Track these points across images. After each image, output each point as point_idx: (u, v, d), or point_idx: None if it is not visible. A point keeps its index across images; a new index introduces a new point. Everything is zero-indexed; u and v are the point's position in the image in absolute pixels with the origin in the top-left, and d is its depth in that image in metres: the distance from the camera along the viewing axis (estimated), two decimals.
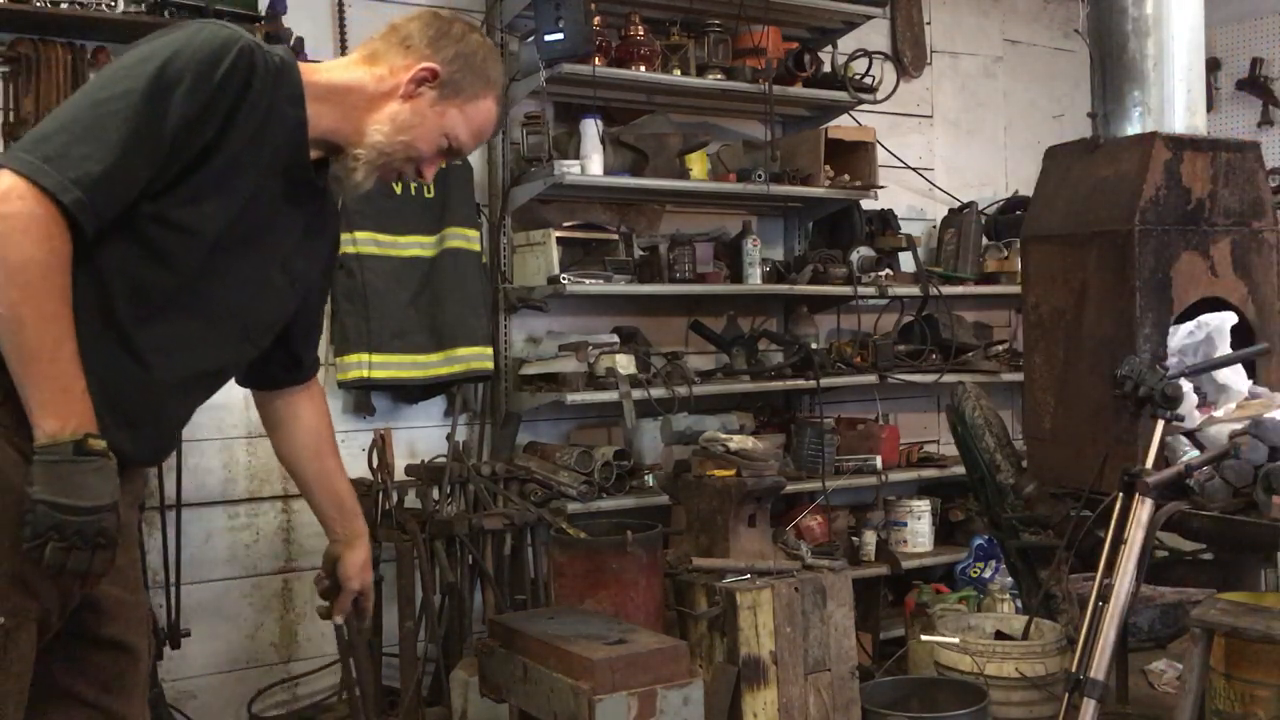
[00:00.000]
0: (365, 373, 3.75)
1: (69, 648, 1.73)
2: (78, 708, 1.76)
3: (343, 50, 3.92)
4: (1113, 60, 3.46)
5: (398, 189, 3.84)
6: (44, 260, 1.55)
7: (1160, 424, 2.92)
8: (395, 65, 1.87)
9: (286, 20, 3.65)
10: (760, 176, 4.22)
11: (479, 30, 2.01)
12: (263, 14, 3.60)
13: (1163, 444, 2.92)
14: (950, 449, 4.29)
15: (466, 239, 3.91)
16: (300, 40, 3.70)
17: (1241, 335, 3.25)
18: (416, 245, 3.87)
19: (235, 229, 1.74)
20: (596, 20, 3.96)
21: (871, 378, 4.46)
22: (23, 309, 1.54)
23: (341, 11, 3.92)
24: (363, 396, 3.92)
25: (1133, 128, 3.42)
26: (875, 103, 4.51)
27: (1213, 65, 5.36)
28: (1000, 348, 4.91)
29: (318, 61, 1.94)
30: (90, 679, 1.76)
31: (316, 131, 1.82)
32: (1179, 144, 3.30)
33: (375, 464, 3.53)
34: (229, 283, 1.78)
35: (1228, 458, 2.82)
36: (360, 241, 3.77)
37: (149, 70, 1.67)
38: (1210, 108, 4.84)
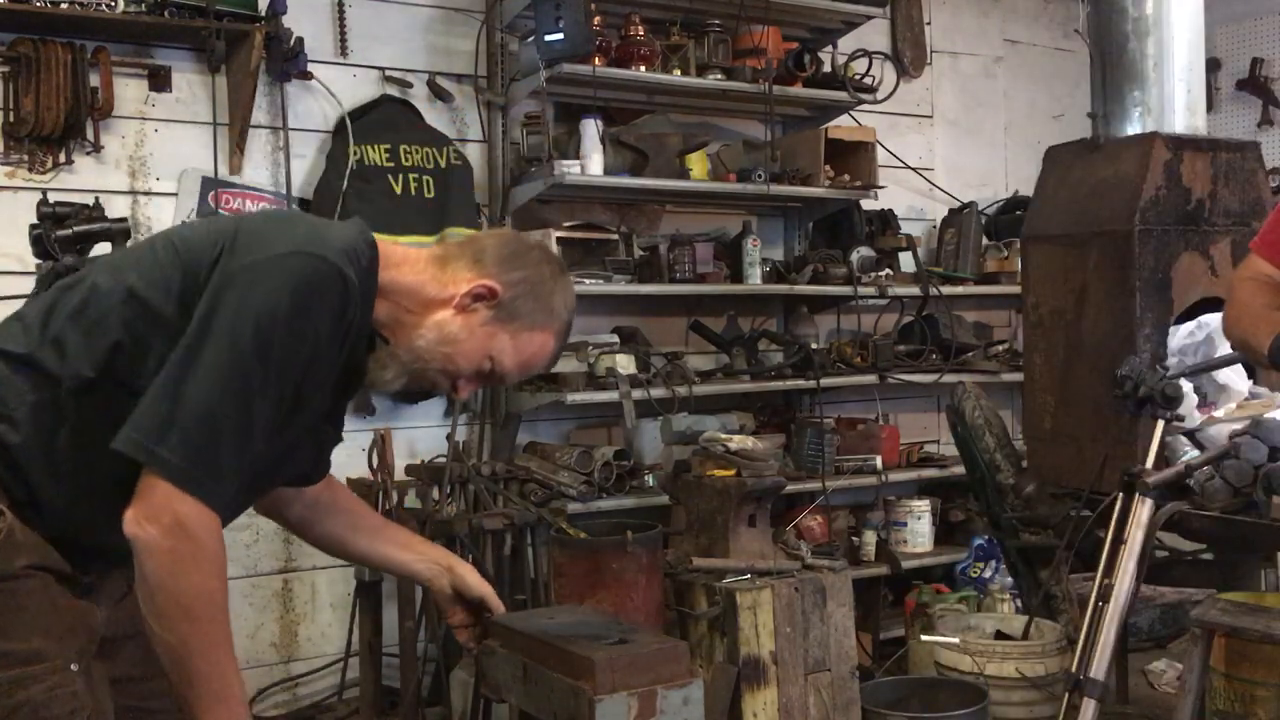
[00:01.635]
0: None
1: None
2: None
3: (343, 50, 3.93)
4: (1113, 60, 3.46)
5: (397, 189, 3.84)
6: (217, 588, 1.56)
7: (1160, 424, 2.92)
8: (459, 276, 1.80)
9: (286, 20, 3.65)
10: (760, 176, 4.23)
11: (558, 261, 1.93)
12: (263, 14, 3.61)
13: (1163, 444, 2.92)
14: (950, 449, 4.29)
15: None
16: (300, 40, 3.71)
17: None
18: (417, 246, 3.86)
19: (287, 425, 1.70)
20: (596, 20, 3.96)
21: (871, 378, 4.46)
22: (193, 640, 1.55)
23: (341, 11, 3.93)
24: (362, 396, 3.92)
25: (1133, 128, 3.42)
26: (875, 103, 4.51)
27: (1213, 65, 5.36)
28: (1000, 348, 4.91)
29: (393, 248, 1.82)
30: None
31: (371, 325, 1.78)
32: (1179, 144, 3.31)
33: (375, 464, 3.53)
34: (260, 462, 1.70)
35: (1228, 458, 2.81)
36: None
37: (272, 350, 1.59)
38: (1210, 108, 4.82)
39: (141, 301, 1.61)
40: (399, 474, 3.62)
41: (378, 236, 1.80)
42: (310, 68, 3.81)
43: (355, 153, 3.80)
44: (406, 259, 1.83)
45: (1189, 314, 3.26)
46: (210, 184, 3.74)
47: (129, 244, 3.00)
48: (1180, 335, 3.21)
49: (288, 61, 3.73)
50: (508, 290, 1.80)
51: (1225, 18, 5.22)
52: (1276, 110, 5.36)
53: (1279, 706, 2.77)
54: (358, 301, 1.67)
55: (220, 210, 3.74)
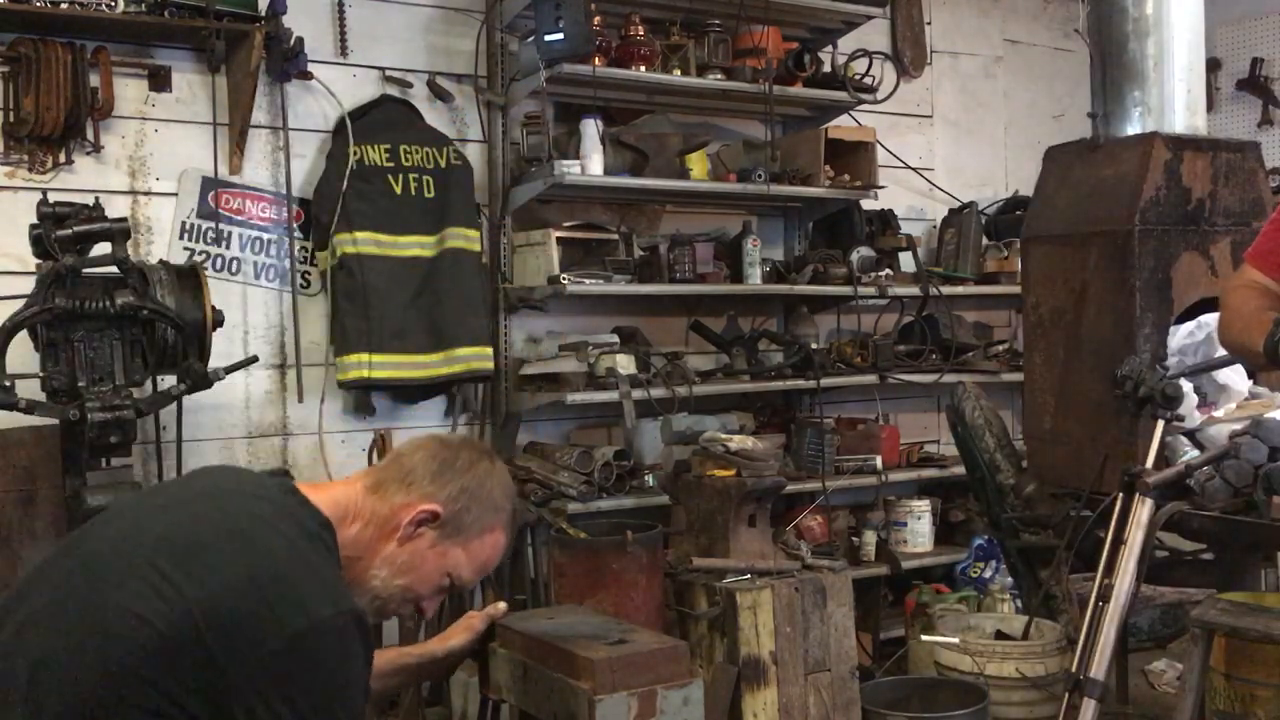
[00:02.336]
0: (365, 373, 3.75)
1: None
2: None
3: (343, 50, 3.92)
4: (1113, 60, 3.45)
5: (397, 189, 3.85)
6: None
7: (1160, 424, 2.92)
8: (395, 503, 1.80)
9: (286, 20, 3.65)
10: (760, 176, 4.22)
11: (488, 454, 1.94)
12: (263, 14, 3.61)
13: (1163, 444, 2.92)
14: (950, 449, 4.29)
15: (466, 239, 3.91)
16: (300, 40, 3.71)
17: None
18: (416, 245, 3.87)
19: None
20: (596, 20, 3.96)
21: (871, 378, 4.46)
22: None
23: (341, 11, 3.93)
24: (363, 397, 3.92)
25: (1133, 128, 3.42)
26: (875, 103, 4.51)
27: (1213, 65, 5.36)
28: (1000, 348, 4.91)
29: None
30: None
31: None
32: (1179, 144, 3.30)
33: (375, 464, 3.53)
34: None
35: (1228, 458, 2.81)
36: (360, 241, 3.77)
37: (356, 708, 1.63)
38: (1210, 108, 4.82)
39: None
40: None
41: (309, 489, 1.77)
42: (310, 68, 3.81)
43: (355, 152, 3.80)
44: (348, 509, 1.80)
45: (1189, 314, 3.25)
46: (210, 184, 3.74)
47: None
48: (1180, 335, 3.21)
49: (288, 61, 3.73)
50: (449, 507, 1.81)
51: (1225, 18, 5.22)
52: (1277, 110, 5.36)
53: (1279, 707, 2.77)
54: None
55: (220, 210, 3.74)
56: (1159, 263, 3.24)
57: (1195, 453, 2.99)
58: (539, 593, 3.51)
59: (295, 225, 3.87)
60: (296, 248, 3.87)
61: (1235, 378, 3.17)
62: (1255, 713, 2.84)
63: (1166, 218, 3.26)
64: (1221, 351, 3.13)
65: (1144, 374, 2.97)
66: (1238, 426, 2.91)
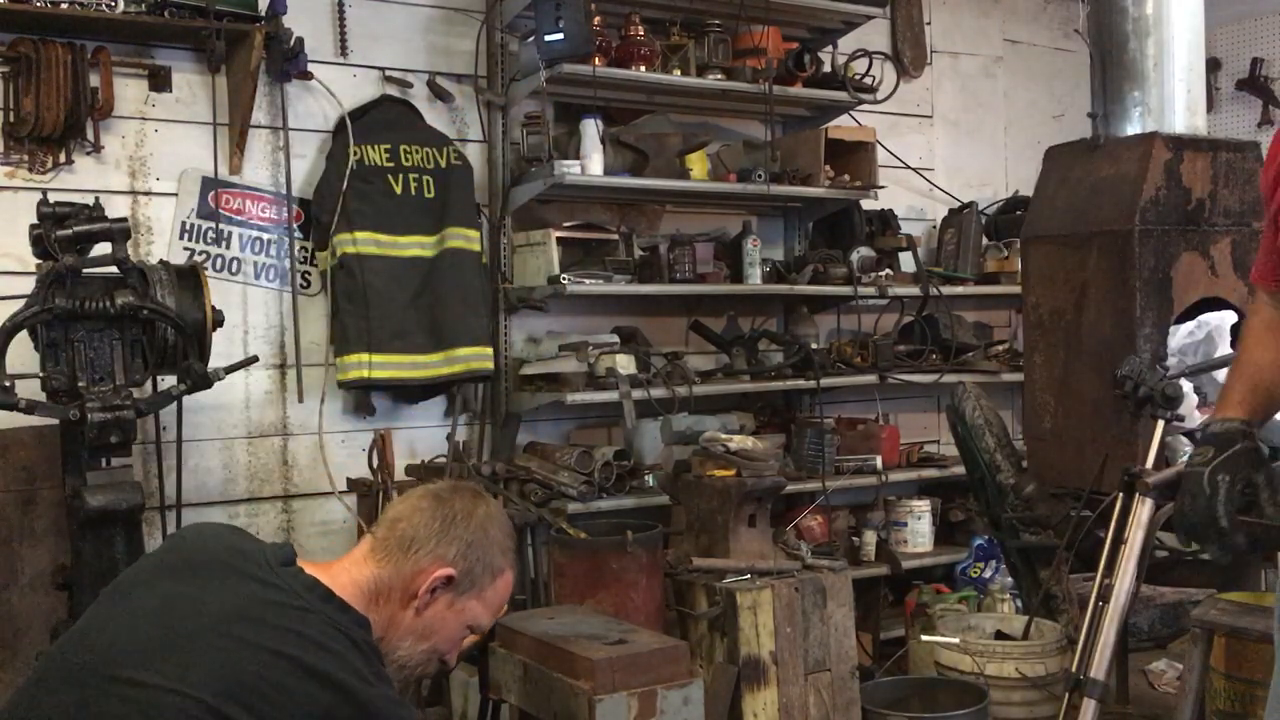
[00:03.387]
0: (365, 373, 3.75)
1: None
2: None
3: (343, 50, 3.92)
4: (1113, 60, 3.46)
5: (397, 189, 3.84)
6: None
7: (1160, 424, 2.92)
8: (406, 573, 1.81)
9: (286, 20, 3.65)
10: (760, 176, 4.22)
11: (480, 496, 1.94)
12: (263, 14, 3.61)
13: (1163, 444, 2.92)
14: (950, 449, 4.29)
15: (467, 239, 3.91)
16: (300, 40, 3.71)
17: None
18: (417, 245, 3.87)
19: None
20: (596, 20, 3.96)
21: (871, 378, 4.46)
22: None
23: (342, 11, 3.93)
24: (363, 396, 3.92)
25: (1133, 128, 3.42)
26: (875, 103, 4.51)
27: (1213, 65, 5.36)
28: (1000, 348, 4.91)
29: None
30: None
31: None
32: (1179, 144, 3.30)
33: (375, 464, 3.53)
34: None
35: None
36: (360, 241, 3.76)
37: None
38: (1210, 108, 4.82)
39: None
40: (399, 474, 3.62)
41: (326, 575, 1.77)
42: (310, 68, 3.81)
43: (355, 153, 3.80)
44: (372, 593, 1.80)
45: (1189, 314, 3.26)
46: (210, 184, 3.74)
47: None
48: (1180, 335, 3.21)
49: (288, 61, 3.73)
50: (460, 565, 1.82)
51: (1225, 18, 5.21)
52: (1277, 110, 5.35)
53: None
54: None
55: (220, 210, 3.74)
56: (1159, 262, 3.24)
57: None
58: (539, 593, 3.51)
59: (295, 225, 3.87)
60: (296, 248, 3.87)
61: None
62: (1255, 713, 2.84)
63: (1166, 218, 3.26)
64: (1221, 351, 3.13)
65: (1144, 374, 2.97)
66: None
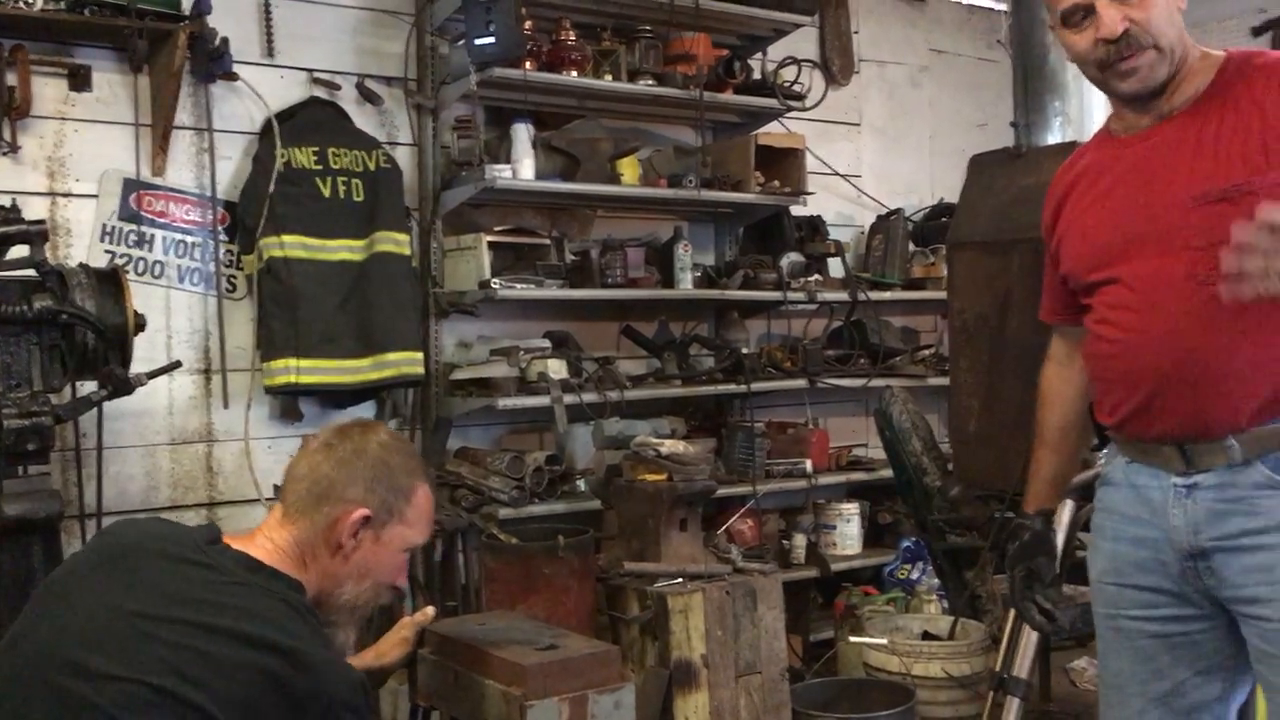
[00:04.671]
0: (293, 378, 3.70)
1: None
2: None
3: (270, 51, 3.87)
4: (1034, 71, 3.54)
5: (326, 192, 3.80)
6: None
7: None
8: (320, 525, 1.83)
9: (211, 20, 3.59)
10: (691, 182, 4.25)
11: (370, 426, 1.97)
12: (186, 14, 3.54)
13: None
14: (878, 452, 4.35)
15: (396, 243, 3.88)
16: (225, 40, 3.65)
17: None
18: (345, 249, 3.82)
19: None
20: (527, 24, 3.95)
21: (801, 382, 4.51)
22: None
23: (268, 12, 3.87)
24: (290, 402, 3.87)
25: (1054, 137, 3.50)
26: (804, 110, 4.56)
27: None
28: (927, 352, 4.99)
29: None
30: None
31: None
32: None
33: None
34: None
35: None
36: (288, 245, 3.71)
37: None
38: None
39: None
40: None
41: (252, 547, 1.81)
42: (236, 68, 3.75)
43: (282, 155, 3.74)
44: (298, 554, 1.83)
45: None
46: (132, 185, 3.67)
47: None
48: None
49: (212, 62, 3.66)
50: (372, 500, 1.84)
51: None
52: None
53: None
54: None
55: (143, 212, 3.67)
56: None
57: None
58: (470, 599, 3.49)
59: (220, 228, 3.81)
60: (222, 251, 3.81)
61: None
62: None
63: None
64: None
65: None
66: None
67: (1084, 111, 3.48)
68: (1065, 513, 2.84)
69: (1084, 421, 2.20)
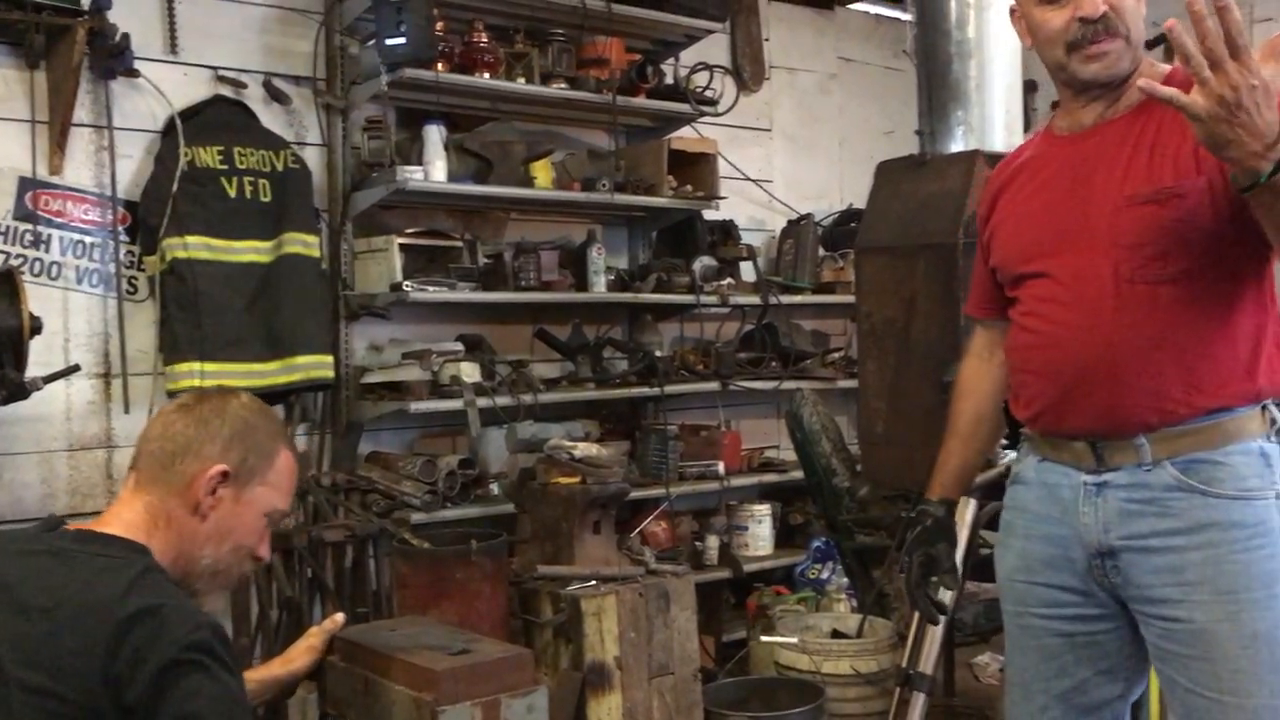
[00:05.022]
0: (197, 382, 3.61)
1: None
2: None
3: (173, 48, 3.79)
4: (938, 80, 3.62)
5: (231, 192, 3.73)
6: None
7: None
8: (179, 485, 1.78)
9: (111, 15, 3.50)
10: (605, 186, 4.26)
11: (232, 392, 1.94)
12: (86, 8, 3.45)
13: None
14: (790, 454, 4.41)
15: (305, 244, 3.82)
16: (126, 36, 3.56)
17: None
18: (252, 250, 3.76)
19: None
20: (439, 26, 3.93)
21: (714, 385, 4.55)
22: None
23: (171, 8, 3.78)
24: None
25: (957, 145, 3.59)
26: (716, 115, 4.60)
27: (1030, 87, 5.64)
28: (836, 355, 5.07)
29: None
30: None
31: None
32: (998, 161, 3.48)
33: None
34: None
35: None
36: (192, 246, 3.63)
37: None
38: (1027, 127, 5.07)
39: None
40: None
41: (99, 527, 1.77)
42: (138, 65, 3.66)
43: (186, 154, 3.67)
44: (147, 523, 1.78)
45: None
46: (28, 184, 3.55)
47: None
48: None
49: (113, 58, 3.57)
50: (230, 458, 1.81)
51: None
52: None
53: None
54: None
55: (39, 212, 3.56)
56: None
57: (1014, 455, 3.15)
58: (381, 605, 3.45)
59: (121, 228, 3.71)
60: (122, 252, 3.71)
61: None
62: None
63: None
64: None
65: None
66: None
67: (985, 121, 3.57)
68: (969, 511, 2.91)
69: (997, 416, 2.24)
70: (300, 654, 2.19)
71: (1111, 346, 1.87)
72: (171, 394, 3.64)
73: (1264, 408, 1.89)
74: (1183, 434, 1.86)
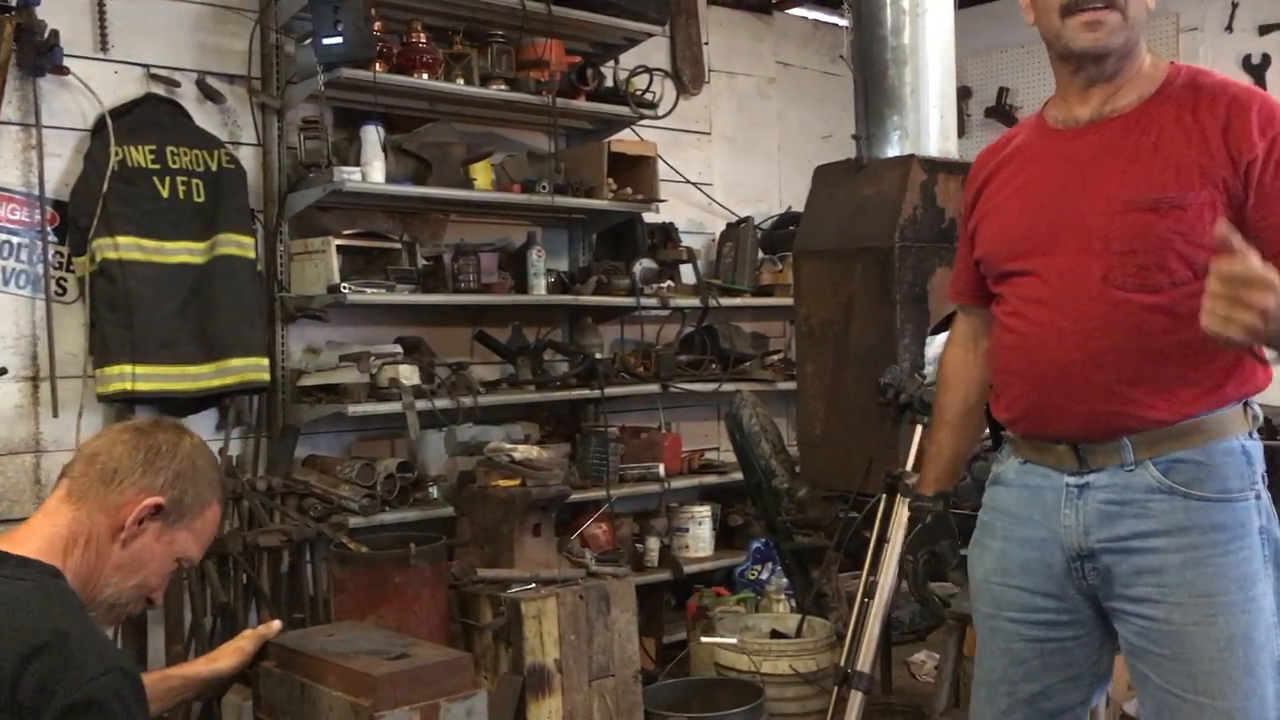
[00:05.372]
0: (129, 385, 3.55)
1: None
2: None
3: (104, 46, 3.72)
4: (874, 86, 3.67)
5: (164, 192, 3.67)
6: None
7: (919, 428, 3.10)
8: (108, 505, 1.75)
9: (40, 11, 3.43)
10: (545, 188, 4.25)
11: (184, 430, 1.91)
12: (13, 4, 3.37)
13: (921, 447, 3.11)
14: (729, 456, 4.43)
15: (240, 245, 3.77)
16: (55, 33, 3.49)
17: None
18: (185, 251, 3.70)
19: None
20: (377, 25, 3.90)
21: (654, 387, 4.56)
22: None
23: (101, 4, 3.71)
24: (125, 411, 3.70)
25: (893, 150, 3.63)
26: (656, 118, 4.61)
27: (964, 93, 5.75)
28: (775, 357, 5.10)
29: None
30: None
31: None
32: (934, 166, 3.53)
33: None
34: None
35: (977, 459, 3.02)
36: (123, 246, 3.57)
37: None
38: (962, 133, 5.18)
39: None
40: None
41: (10, 544, 1.71)
42: (67, 63, 3.58)
43: (117, 153, 3.60)
44: (65, 541, 1.73)
45: (944, 324, 3.48)
46: None
47: None
48: (936, 345, 3.42)
49: (41, 55, 3.49)
50: (169, 494, 1.79)
51: (974, 49, 5.60)
52: None
53: None
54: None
55: None
56: (917, 277, 3.46)
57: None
58: (318, 610, 3.41)
59: (50, 229, 3.63)
60: (51, 252, 3.63)
61: None
62: None
63: (923, 235, 3.48)
64: None
65: (904, 381, 3.16)
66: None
67: (920, 126, 3.62)
68: (905, 511, 2.94)
69: (984, 406, 2.19)
70: (227, 654, 2.15)
71: (1096, 354, 1.85)
72: (102, 398, 3.58)
73: (1246, 404, 1.88)
74: (1165, 435, 1.85)
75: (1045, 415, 1.93)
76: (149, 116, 3.74)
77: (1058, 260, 1.90)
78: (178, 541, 1.83)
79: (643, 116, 4.58)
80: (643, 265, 4.65)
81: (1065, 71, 1.96)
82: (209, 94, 3.90)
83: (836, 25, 5.83)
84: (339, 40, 3.62)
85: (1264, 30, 5.06)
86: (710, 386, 4.70)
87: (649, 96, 4.59)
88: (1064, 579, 1.94)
